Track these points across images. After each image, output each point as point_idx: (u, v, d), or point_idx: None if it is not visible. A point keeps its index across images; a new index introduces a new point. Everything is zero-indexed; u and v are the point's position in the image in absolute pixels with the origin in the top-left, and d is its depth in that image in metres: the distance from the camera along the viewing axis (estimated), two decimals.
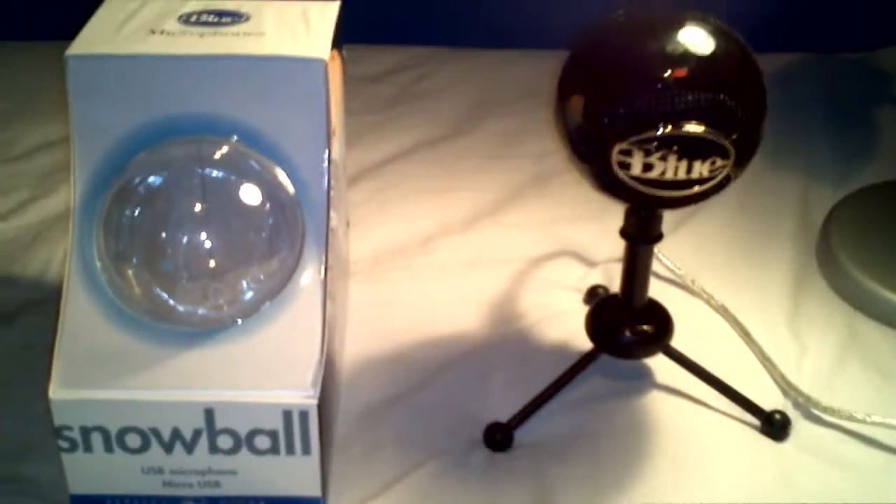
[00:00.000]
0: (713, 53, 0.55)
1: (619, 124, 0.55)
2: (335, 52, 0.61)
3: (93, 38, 0.59)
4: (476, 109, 0.96)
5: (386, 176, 0.87)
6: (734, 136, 0.55)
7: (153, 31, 0.59)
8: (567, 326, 0.72)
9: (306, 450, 0.57)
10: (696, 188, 0.57)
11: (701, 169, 0.56)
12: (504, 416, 0.64)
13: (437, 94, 0.97)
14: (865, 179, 0.87)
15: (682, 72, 0.55)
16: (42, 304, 0.73)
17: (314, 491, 0.58)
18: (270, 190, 0.58)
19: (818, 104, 0.98)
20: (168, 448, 0.57)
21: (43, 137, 0.91)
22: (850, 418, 0.65)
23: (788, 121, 0.94)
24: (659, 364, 0.68)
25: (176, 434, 0.56)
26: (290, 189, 0.58)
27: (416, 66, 1.01)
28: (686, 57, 0.55)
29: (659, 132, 0.55)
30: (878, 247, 0.78)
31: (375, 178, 0.86)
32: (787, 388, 0.68)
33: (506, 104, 0.96)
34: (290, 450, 0.57)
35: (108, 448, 0.56)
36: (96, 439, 0.56)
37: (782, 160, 0.88)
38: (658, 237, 0.63)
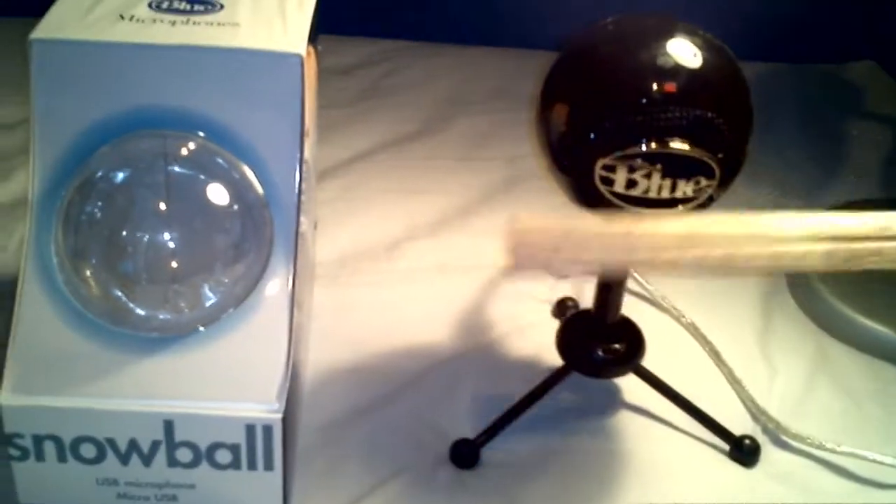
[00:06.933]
0: (703, 69, 0.54)
1: (605, 138, 0.54)
2: (310, 48, 0.58)
3: (59, 22, 0.56)
4: (447, 107, 0.94)
5: (353, 174, 0.85)
6: (720, 156, 0.54)
7: (122, 17, 0.56)
8: (535, 340, 0.71)
9: (269, 465, 0.55)
10: (680, 207, 0.56)
11: (685, 188, 0.55)
12: (471, 431, 0.63)
13: (408, 91, 0.95)
14: (836, 193, 0.87)
15: (671, 87, 0.54)
16: None
17: None
18: (238, 190, 0.56)
19: (790, 115, 0.97)
20: (124, 460, 0.54)
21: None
22: (820, 447, 0.64)
23: (759, 132, 0.93)
24: (628, 382, 0.67)
25: (133, 445, 0.54)
26: (259, 190, 0.56)
27: (386, 60, 0.99)
28: (676, 71, 0.54)
29: (644, 148, 0.53)
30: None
31: (342, 176, 0.84)
32: (756, 412, 0.67)
33: (477, 103, 0.95)
34: (252, 465, 0.55)
35: (62, 458, 0.54)
36: (49, 448, 0.54)
37: (753, 172, 0.87)
38: None
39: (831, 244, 0.50)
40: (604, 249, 0.50)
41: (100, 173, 0.54)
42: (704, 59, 0.54)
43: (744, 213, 0.51)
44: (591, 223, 0.51)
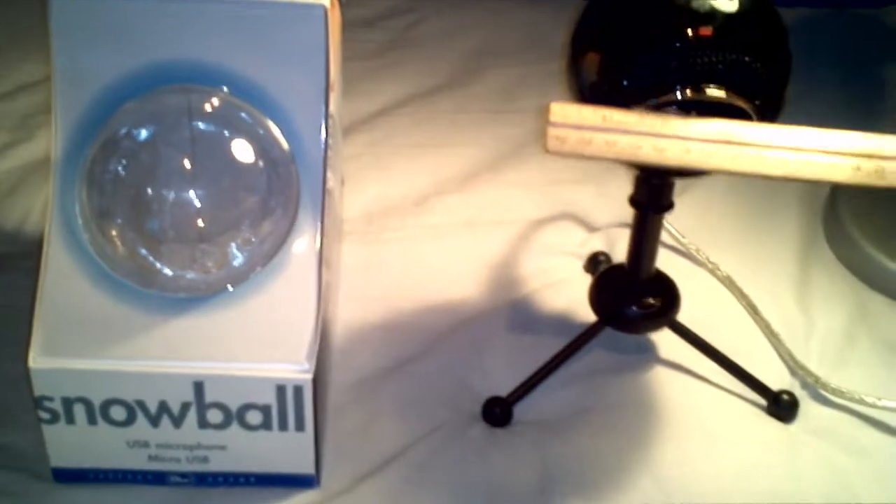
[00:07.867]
0: (740, 12, 0.52)
1: (638, 85, 0.52)
2: None
3: None
4: (475, 59, 0.92)
5: (379, 129, 0.83)
6: (757, 102, 0.52)
7: None
8: (567, 295, 0.69)
9: (300, 426, 0.54)
10: None
11: None
12: (503, 388, 0.62)
13: (434, 42, 0.93)
14: None
15: (706, 31, 0.52)
16: (20, 258, 0.69)
17: (307, 468, 0.56)
18: (263, 146, 0.55)
19: (828, 60, 0.95)
20: (155, 421, 0.54)
21: (24, 77, 0.86)
22: (860, 401, 0.63)
23: (797, 78, 0.91)
24: (663, 338, 0.65)
25: (163, 407, 0.53)
26: (285, 145, 0.55)
27: (412, 11, 0.97)
28: (712, 15, 0.52)
29: (679, 95, 0.51)
30: (888, 218, 0.75)
31: (368, 131, 0.83)
32: (794, 366, 0.66)
33: (506, 55, 0.92)
34: (283, 425, 0.54)
35: (92, 420, 0.54)
36: (79, 411, 0.53)
37: (789, 120, 0.86)
38: (669, 206, 0.60)
39: (860, 159, 0.50)
40: (633, 147, 0.50)
41: (123, 131, 0.54)
42: (741, 2, 0.52)
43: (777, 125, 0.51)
44: (624, 118, 0.50)
